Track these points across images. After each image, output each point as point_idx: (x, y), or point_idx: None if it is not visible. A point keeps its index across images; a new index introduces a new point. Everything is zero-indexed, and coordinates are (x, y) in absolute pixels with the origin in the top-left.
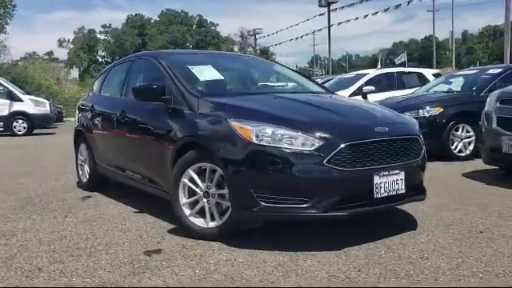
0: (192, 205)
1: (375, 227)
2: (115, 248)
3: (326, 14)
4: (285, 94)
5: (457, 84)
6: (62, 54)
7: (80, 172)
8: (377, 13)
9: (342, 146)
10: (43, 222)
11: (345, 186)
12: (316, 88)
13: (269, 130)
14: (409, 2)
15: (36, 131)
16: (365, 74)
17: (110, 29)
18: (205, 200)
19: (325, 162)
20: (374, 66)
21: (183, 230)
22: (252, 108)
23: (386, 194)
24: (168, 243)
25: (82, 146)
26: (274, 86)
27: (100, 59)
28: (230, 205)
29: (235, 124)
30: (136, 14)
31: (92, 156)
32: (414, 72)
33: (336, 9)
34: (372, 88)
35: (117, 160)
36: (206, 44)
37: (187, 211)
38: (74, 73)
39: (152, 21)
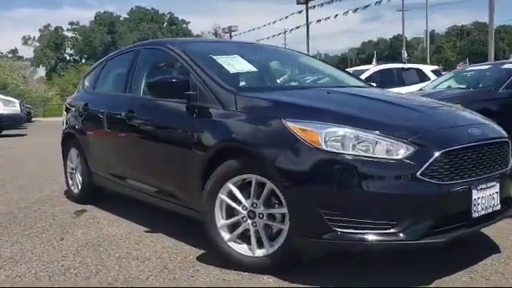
0: (232, 227)
1: (448, 251)
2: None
3: (304, 12)
4: (336, 89)
5: (470, 80)
6: (27, 52)
7: (70, 181)
8: (347, 12)
9: (438, 153)
10: (35, 248)
11: (442, 205)
12: (356, 81)
13: (341, 132)
14: (378, 3)
15: (5, 132)
16: (364, 71)
17: (78, 26)
18: (249, 221)
19: (418, 174)
20: (343, 64)
21: (220, 258)
22: (311, 106)
23: (484, 212)
24: (205, 277)
25: (73, 152)
26: (312, 79)
27: (68, 57)
28: (285, 228)
29: (293, 125)
30: (105, 12)
31: (86, 163)
32: (413, 68)
33: (314, 6)
34: (374, 85)
35: (120, 168)
36: None
37: (226, 235)
38: (41, 71)
39: (121, 18)
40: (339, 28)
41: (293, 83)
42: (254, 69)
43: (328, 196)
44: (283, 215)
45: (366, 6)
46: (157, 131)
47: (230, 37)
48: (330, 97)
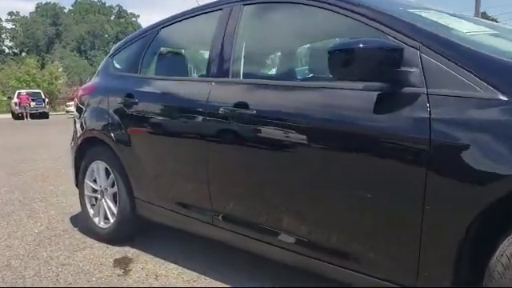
0: None
1: None
2: None
3: None
4: None
5: None
6: None
7: (90, 210)
8: None
9: None
10: None
11: None
12: None
13: None
14: None
15: None
16: None
17: (18, 17)
18: None
19: None
20: None
21: None
22: None
23: None
24: None
25: (99, 167)
26: None
27: (7, 50)
28: None
29: None
30: (46, 3)
31: (126, 184)
32: None
33: None
34: None
35: (215, 200)
36: (126, 36)
37: None
38: None
39: (66, 10)
40: None
41: None
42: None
43: None
44: None
45: None
46: (321, 141)
47: None
48: None
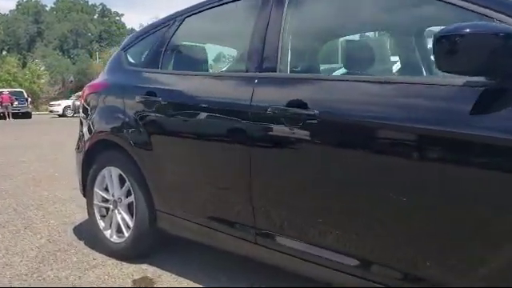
0: None
1: None
2: None
3: None
4: None
5: None
6: None
7: (101, 222)
8: None
9: None
10: None
11: None
12: None
13: None
14: None
15: None
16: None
17: None
18: None
19: None
20: None
21: None
22: None
23: None
24: None
25: (111, 173)
26: None
27: None
28: None
29: None
30: (27, 0)
31: (145, 194)
32: None
33: None
34: None
35: (261, 216)
36: (110, 35)
37: None
38: None
39: (48, 8)
40: None
41: None
42: None
43: None
44: None
45: None
46: (409, 150)
47: None
48: None
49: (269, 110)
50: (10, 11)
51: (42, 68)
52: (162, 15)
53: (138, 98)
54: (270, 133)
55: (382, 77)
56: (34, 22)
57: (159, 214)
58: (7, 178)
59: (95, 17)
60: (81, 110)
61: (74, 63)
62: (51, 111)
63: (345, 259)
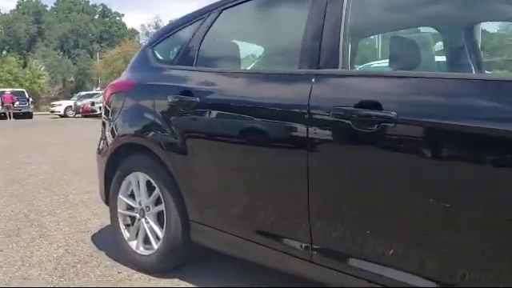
0: None
1: None
2: None
3: None
4: None
5: None
6: None
7: (125, 231)
8: None
9: None
10: None
11: None
12: None
13: None
14: None
15: None
16: None
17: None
18: None
19: None
20: None
21: None
22: None
23: None
24: None
25: (138, 179)
26: None
27: None
28: None
29: None
30: (28, 0)
31: (177, 203)
32: None
33: None
34: None
35: (319, 231)
36: (110, 35)
37: None
38: None
39: (48, 8)
40: None
41: None
42: None
43: None
44: None
45: None
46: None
47: None
48: None
49: (332, 111)
50: (11, 11)
51: (42, 68)
52: (163, 16)
53: (170, 98)
54: (333, 137)
55: (461, 73)
56: (34, 22)
57: (194, 225)
58: (15, 181)
59: (96, 17)
60: (103, 112)
61: (74, 63)
62: (52, 111)
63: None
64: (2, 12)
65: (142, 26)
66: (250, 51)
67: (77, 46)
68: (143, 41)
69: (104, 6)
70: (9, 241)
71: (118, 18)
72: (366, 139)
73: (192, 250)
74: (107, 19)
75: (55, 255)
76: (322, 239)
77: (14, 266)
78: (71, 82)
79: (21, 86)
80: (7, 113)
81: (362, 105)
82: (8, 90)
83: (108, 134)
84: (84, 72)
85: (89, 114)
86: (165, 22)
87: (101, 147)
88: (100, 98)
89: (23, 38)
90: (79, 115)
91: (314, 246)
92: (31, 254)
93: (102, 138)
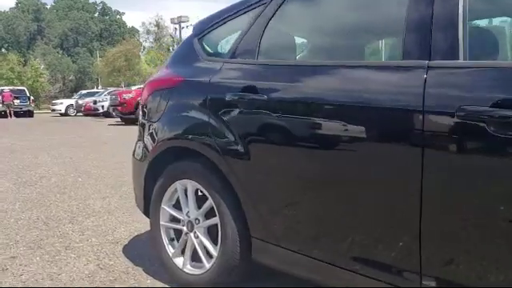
0: None
1: None
2: None
3: None
4: None
5: None
6: None
7: (169, 247)
8: None
9: None
10: None
11: None
12: None
13: None
14: None
15: None
16: None
17: None
18: None
19: None
20: None
21: None
22: None
23: None
24: None
25: (182, 189)
26: None
27: None
28: None
29: None
30: None
31: (238, 217)
32: None
33: None
34: None
35: (432, 256)
36: (110, 33)
37: None
38: None
39: (48, 6)
40: None
41: None
42: None
43: None
44: None
45: None
46: None
47: (180, 27)
48: None
49: (458, 112)
50: (10, 9)
51: (42, 66)
52: (164, 13)
53: (229, 96)
54: (460, 145)
55: None
56: (34, 20)
57: (256, 243)
58: (27, 184)
59: (96, 15)
60: (140, 113)
61: (74, 61)
62: (53, 110)
63: None
64: (1, 10)
65: (143, 24)
66: (330, 40)
67: (77, 45)
68: (144, 39)
69: (104, 3)
70: (32, 254)
71: (118, 17)
72: (509, 148)
73: (251, 269)
74: (107, 17)
75: (87, 272)
76: (439, 268)
77: (41, 284)
78: (71, 80)
79: (22, 84)
80: (8, 111)
81: (504, 104)
82: (7, 88)
83: (148, 136)
84: (84, 70)
85: (90, 112)
86: (166, 20)
87: (138, 151)
88: (103, 97)
89: (22, 36)
90: (80, 114)
91: (427, 278)
92: (59, 271)
93: (139, 141)
